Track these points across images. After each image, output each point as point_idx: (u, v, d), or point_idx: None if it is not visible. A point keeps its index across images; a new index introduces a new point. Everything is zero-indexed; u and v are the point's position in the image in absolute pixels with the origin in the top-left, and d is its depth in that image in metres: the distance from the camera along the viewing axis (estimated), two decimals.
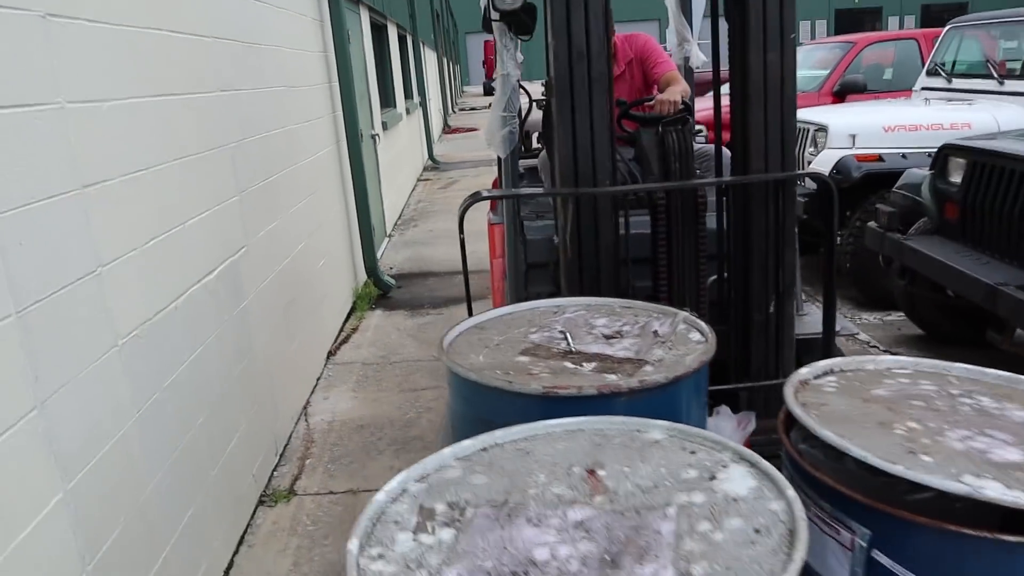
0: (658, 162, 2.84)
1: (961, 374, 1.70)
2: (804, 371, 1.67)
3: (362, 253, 6.18)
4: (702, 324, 2.02)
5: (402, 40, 11.78)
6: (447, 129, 20.22)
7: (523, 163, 4.21)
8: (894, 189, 4.57)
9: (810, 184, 5.57)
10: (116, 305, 2.29)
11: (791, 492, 1.20)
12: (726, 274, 2.80)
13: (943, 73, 6.33)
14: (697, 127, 3.76)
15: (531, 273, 3.09)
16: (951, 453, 1.34)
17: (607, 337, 2.05)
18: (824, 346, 2.64)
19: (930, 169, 4.35)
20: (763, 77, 2.51)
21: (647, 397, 1.68)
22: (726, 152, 3.12)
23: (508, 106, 3.02)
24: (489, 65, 38.74)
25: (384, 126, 8.36)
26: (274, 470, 3.64)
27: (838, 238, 5.28)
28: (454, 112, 25.81)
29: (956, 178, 4.13)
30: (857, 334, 4.92)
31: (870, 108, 6.24)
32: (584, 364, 1.88)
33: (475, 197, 2.59)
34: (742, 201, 2.64)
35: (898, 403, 1.54)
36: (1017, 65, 5.91)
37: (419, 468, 1.40)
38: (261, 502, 3.39)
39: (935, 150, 4.33)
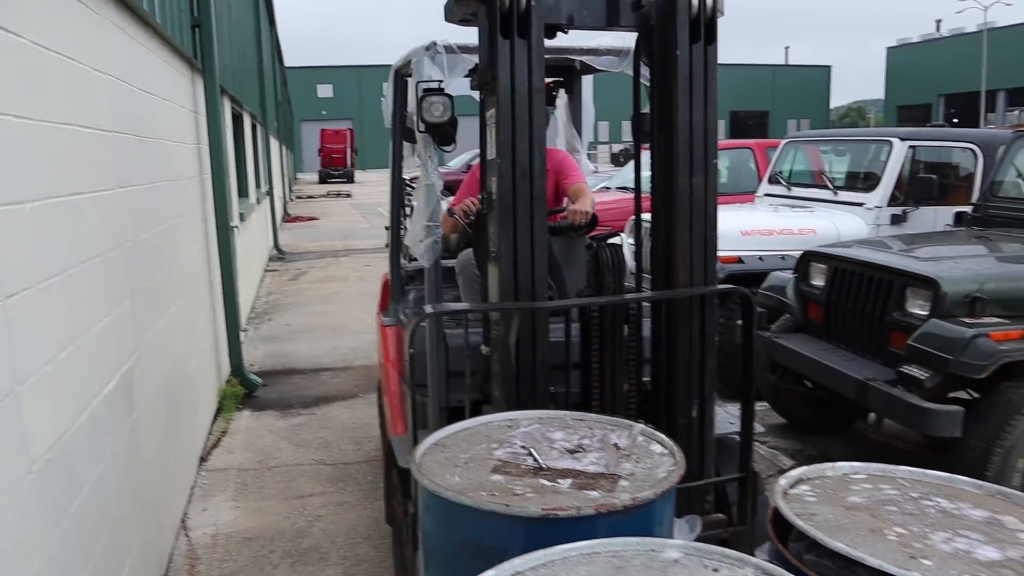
0: (591, 276, 2.98)
1: (905, 476, 1.89)
2: (783, 482, 1.79)
3: (228, 350, 5.92)
4: (661, 436, 2.12)
5: (253, 129, 11.61)
6: (287, 218, 19.89)
7: (414, 265, 4.21)
8: (760, 290, 4.97)
9: None
10: (31, 427, 2.09)
11: None
12: (651, 380, 2.94)
13: (782, 182, 7.03)
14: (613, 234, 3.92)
15: (453, 381, 3.10)
16: (944, 555, 1.48)
17: (571, 452, 2.10)
18: (743, 448, 2.80)
19: (794, 273, 4.79)
20: (689, 199, 2.71)
21: (637, 516, 1.74)
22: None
23: (432, 216, 3.07)
24: (325, 153, 38.79)
25: (241, 217, 8.14)
26: None
27: None
28: (292, 200, 25.46)
29: (818, 281, 4.56)
30: (763, 431, 5.23)
31: (726, 213, 6.72)
32: (559, 481, 1.92)
33: (435, 312, 2.61)
34: (669, 313, 2.80)
35: (876, 510, 1.69)
36: (840, 178, 6.68)
37: None
38: None
39: (790, 253, 4.78)
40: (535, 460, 2.03)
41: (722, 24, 2.75)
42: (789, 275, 4.84)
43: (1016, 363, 3.61)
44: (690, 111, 2.69)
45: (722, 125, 38.58)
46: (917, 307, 3.87)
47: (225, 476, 4.59)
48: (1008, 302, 3.70)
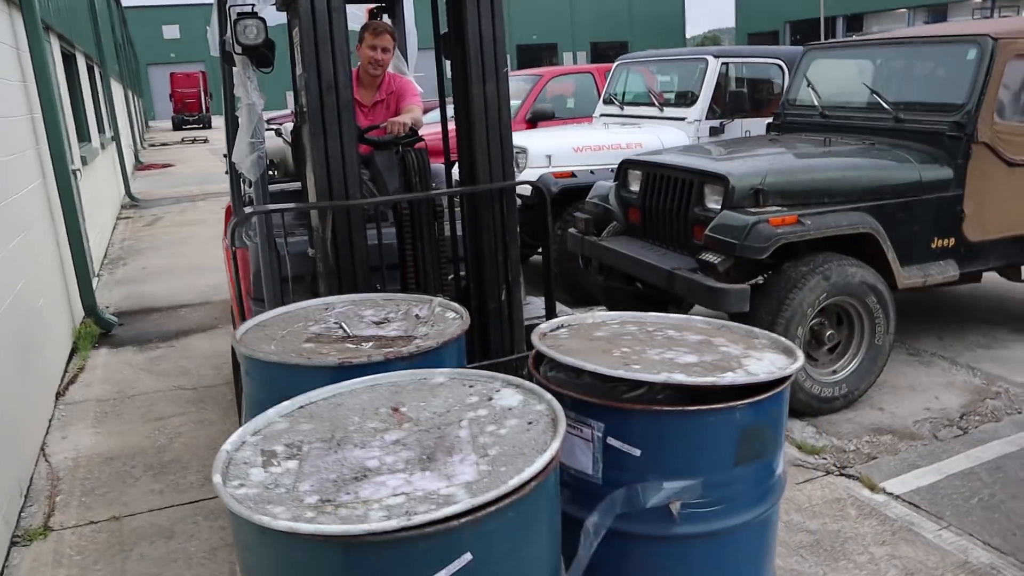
0: (400, 178, 3.27)
1: (653, 319, 2.32)
2: (543, 326, 2.18)
3: (79, 292, 5.92)
4: (455, 305, 2.48)
5: (90, 71, 11.14)
6: (140, 166, 19.12)
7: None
8: (587, 200, 5.41)
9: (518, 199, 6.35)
10: None
11: (548, 396, 1.67)
12: (463, 272, 3.29)
13: (616, 102, 7.48)
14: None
15: (287, 286, 3.35)
16: (652, 362, 1.90)
17: (377, 323, 2.43)
18: None
19: (614, 181, 5.23)
20: (484, 104, 3.03)
21: (422, 360, 2.08)
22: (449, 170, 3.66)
23: (255, 133, 3.27)
24: (178, 98, 37.01)
25: (83, 161, 7.94)
26: (21, 511, 3.51)
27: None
28: (144, 148, 24.37)
29: (635, 187, 5.02)
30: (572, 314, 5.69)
31: (561, 132, 7.20)
32: (364, 344, 2.24)
33: (246, 214, 2.83)
34: (472, 209, 3.14)
35: (613, 339, 2.10)
36: (672, 96, 7.19)
37: (251, 426, 1.69)
38: (14, 543, 3.28)
39: (617, 165, 5.21)
40: (344, 331, 2.34)
41: None
42: (612, 183, 5.27)
43: (794, 244, 4.18)
44: (479, 23, 3.00)
45: (583, 57, 39.22)
46: (713, 202, 4.36)
47: (84, 408, 4.70)
48: (786, 193, 4.23)
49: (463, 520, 1.29)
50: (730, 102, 6.62)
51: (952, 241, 4.66)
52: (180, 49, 45.88)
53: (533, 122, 8.68)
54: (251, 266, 3.48)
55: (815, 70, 5.67)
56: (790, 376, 1.90)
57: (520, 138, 6.57)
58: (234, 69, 3.44)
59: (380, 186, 3.65)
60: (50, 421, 4.48)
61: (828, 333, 4.25)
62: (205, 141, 27.72)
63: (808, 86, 5.58)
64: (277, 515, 1.32)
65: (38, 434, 4.20)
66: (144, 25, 41.84)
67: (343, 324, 2.40)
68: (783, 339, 2.12)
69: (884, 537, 3.19)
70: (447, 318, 2.41)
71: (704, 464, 1.80)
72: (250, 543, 1.39)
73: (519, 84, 9.36)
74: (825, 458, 3.84)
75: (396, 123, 3.56)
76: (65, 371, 5.22)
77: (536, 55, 36.35)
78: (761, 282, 4.23)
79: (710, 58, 6.67)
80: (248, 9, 3.21)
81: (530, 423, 1.59)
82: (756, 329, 2.23)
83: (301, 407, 1.78)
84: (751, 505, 1.90)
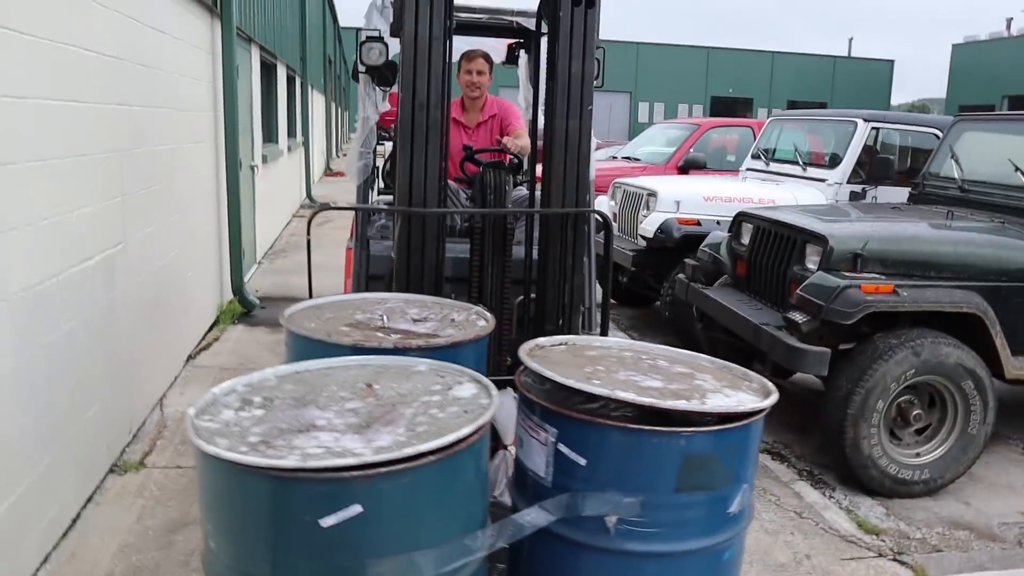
0: (479, 195, 3.52)
1: (659, 351, 2.42)
2: (542, 340, 2.34)
3: (230, 272, 6.60)
4: (488, 314, 2.68)
5: (291, 80, 12.30)
6: (328, 172, 20.67)
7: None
8: (700, 247, 5.44)
9: (640, 243, 6.47)
10: (5, 268, 2.74)
11: (495, 392, 1.84)
12: (531, 295, 3.48)
13: (763, 158, 7.43)
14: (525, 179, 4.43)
15: (371, 284, 3.68)
16: (614, 381, 2.03)
17: (415, 320, 2.67)
18: None
19: (728, 232, 5.25)
20: (565, 137, 3.23)
21: (430, 354, 2.30)
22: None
23: (366, 143, 3.64)
24: (384, 115, 39.40)
25: (264, 159, 8.82)
26: (126, 447, 4.03)
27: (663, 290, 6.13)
28: (338, 156, 26.28)
29: (746, 240, 5.02)
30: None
31: (695, 180, 7.24)
32: (392, 335, 2.49)
33: (322, 207, 3.18)
34: (544, 234, 3.33)
35: (599, 360, 2.23)
36: (820, 156, 7.05)
37: (246, 378, 1.97)
38: (112, 470, 3.78)
39: (733, 217, 5.22)
40: (383, 322, 2.61)
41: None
42: (726, 234, 5.29)
43: (890, 316, 4.06)
44: (569, 63, 3.21)
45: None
46: (812, 262, 4.31)
47: (207, 372, 5.27)
48: (888, 260, 4.11)
49: (354, 473, 1.49)
50: (876, 168, 6.42)
51: None
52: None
53: (684, 170, 8.76)
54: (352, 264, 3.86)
55: (963, 143, 5.43)
56: (745, 414, 1.95)
57: (652, 181, 6.70)
58: (359, 86, 3.84)
59: (479, 206, 3.92)
60: (175, 378, 5.07)
61: (915, 413, 4.06)
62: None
63: (952, 158, 5.36)
64: (217, 444, 1.58)
65: (161, 387, 4.77)
66: None
67: (385, 316, 2.66)
68: (769, 384, 2.16)
69: None
70: (477, 325, 2.62)
71: (644, 484, 1.89)
72: (197, 463, 1.66)
73: (677, 132, 9.47)
74: (883, 540, 3.68)
75: (512, 143, 3.82)
76: (202, 339, 5.86)
77: (730, 108, 35.87)
78: (847, 349, 4.12)
79: (859, 121, 6.50)
80: (376, 34, 3.61)
81: (467, 412, 1.77)
82: (752, 374, 2.27)
83: (296, 372, 2.05)
84: (695, 535, 1.96)
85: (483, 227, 3.33)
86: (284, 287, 7.85)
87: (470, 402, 1.84)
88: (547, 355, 2.23)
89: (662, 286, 6.31)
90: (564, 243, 3.31)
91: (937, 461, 4.10)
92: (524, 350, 2.19)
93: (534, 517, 1.87)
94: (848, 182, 6.55)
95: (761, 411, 1.98)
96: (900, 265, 4.12)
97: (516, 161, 4.10)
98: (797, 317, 4.11)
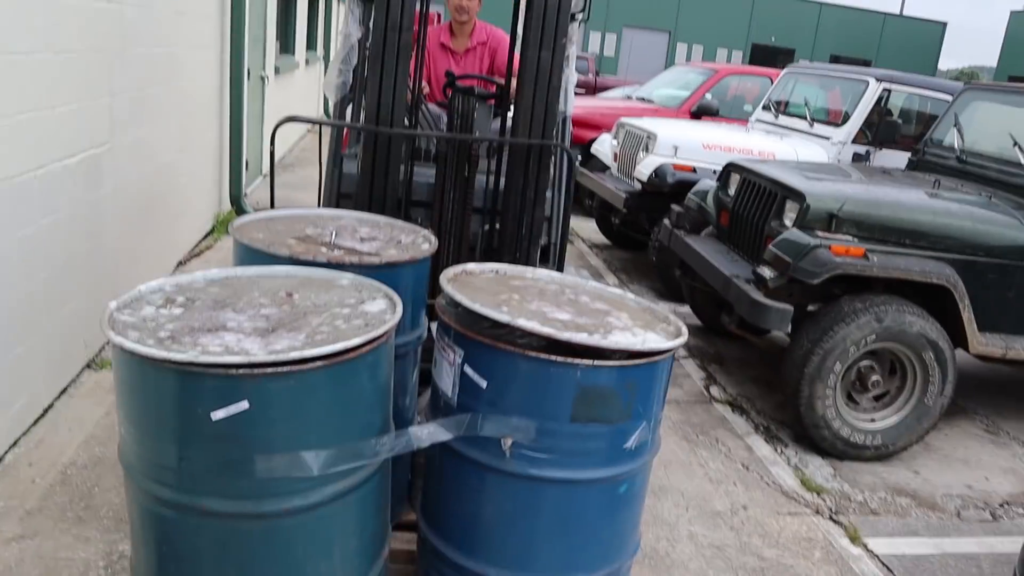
0: (447, 121, 3.55)
1: (588, 287, 2.48)
2: (471, 266, 2.41)
3: (229, 182, 6.69)
4: (433, 238, 2.75)
5: None
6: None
7: None
8: (688, 195, 5.45)
9: (636, 185, 6.47)
10: None
11: (400, 308, 1.93)
12: (488, 225, 3.53)
13: (773, 110, 7.34)
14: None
15: (342, 203, 3.74)
16: (523, 310, 2.10)
17: (363, 239, 2.75)
18: None
19: (716, 181, 5.25)
20: (536, 69, 3.24)
21: (363, 272, 2.37)
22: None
23: (345, 60, 3.66)
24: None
25: (276, 70, 8.82)
26: (105, 345, 4.19)
27: (652, 235, 6.15)
28: None
29: (732, 191, 5.03)
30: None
31: (696, 126, 7.19)
32: (335, 251, 2.57)
33: (287, 119, 3.22)
34: (509, 166, 3.37)
35: (522, 290, 2.30)
36: (831, 112, 6.96)
37: (175, 279, 2.07)
38: (88, 366, 3.95)
39: (722, 167, 5.21)
40: (331, 238, 2.68)
41: None
42: (714, 184, 5.29)
43: (862, 280, 4.09)
44: None
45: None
46: (788, 219, 4.33)
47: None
48: (863, 224, 4.11)
49: (241, 371, 1.59)
50: (881, 130, 6.33)
51: None
52: None
53: (697, 116, 8.66)
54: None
55: (969, 112, 5.36)
56: (645, 352, 2.01)
57: (653, 124, 6.66)
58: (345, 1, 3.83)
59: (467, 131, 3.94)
60: None
61: (874, 379, 4.12)
62: None
63: (955, 127, 5.29)
64: (127, 336, 1.68)
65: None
66: None
67: (334, 232, 2.74)
68: (683, 327, 2.22)
69: None
70: (421, 247, 2.69)
71: (540, 411, 1.98)
72: (112, 354, 1.76)
73: (694, 76, 9.34)
74: (824, 499, 3.78)
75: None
76: (195, 247, 5.99)
77: (771, 57, 34.96)
78: (812, 309, 4.17)
79: (871, 80, 6.40)
80: None
81: (368, 325, 1.86)
82: (672, 317, 2.33)
83: (225, 277, 2.14)
84: (589, 466, 2.05)
85: (447, 153, 3.38)
86: (285, 201, 7.89)
87: (376, 316, 1.92)
88: (471, 281, 2.31)
89: (653, 231, 6.33)
90: (527, 175, 3.36)
91: (891, 428, 4.17)
92: (446, 275, 2.27)
93: (430, 433, 1.98)
94: (853, 142, 6.48)
95: (662, 352, 2.05)
96: (876, 230, 4.11)
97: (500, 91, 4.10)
98: (766, 272, 4.15)
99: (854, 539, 3.48)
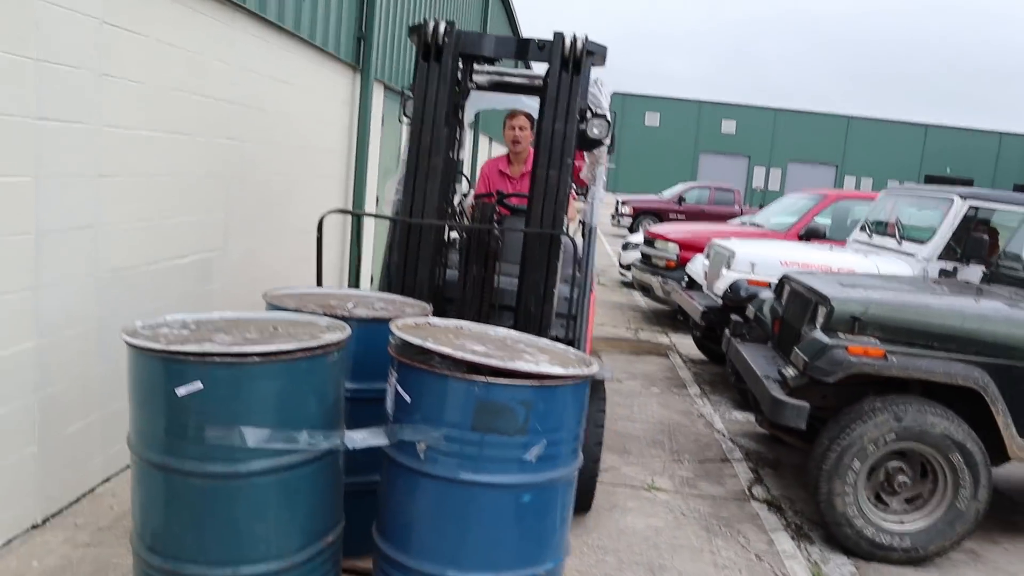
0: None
1: (535, 341, 2.97)
2: (435, 319, 2.99)
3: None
4: (429, 307, 3.33)
5: None
6: None
7: None
8: (749, 306, 5.74)
9: (717, 301, 6.81)
10: (101, 251, 3.75)
11: (348, 333, 2.54)
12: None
13: (868, 230, 7.49)
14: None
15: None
16: (448, 344, 2.60)
17: (372, 310, 3.34)
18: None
19: (773, 292, 5.54)
20: (545, 185, 3.84)
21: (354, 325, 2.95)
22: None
23: (402, 180, 4.42)
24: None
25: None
26: None
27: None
28: None
29: (784, 301, 5.30)
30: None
31: (775, 245, 7.43)
32: (339, 311, 3.18)
33: (332, 211, 3.98)
34: (521, 265, 3.92)
35: (467, 336, 2.82)
36: (917, 231, 7.05)
37: (196, 315, 2.73)
38: None
39: (778, 280, 5.51)
40: (346, 307, 3.30)
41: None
42: (772, 295, 5.58)
43: (896, 382, 4.22)
44: (553, 121, 3.83)
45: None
46: (818, 323, 4.56)
47: None
48: (888, 326, 4.28)
49: (194, 359, 2.26)
50: (967, 247, 6.37)
51: None
52: None
53: (806, 238, 8.90)
54: None
55: None
56: (532, 374, 2.46)
57: (732, 243, 7.04)
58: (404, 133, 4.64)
59: (507, 245, 4.57)
60: None
61: (900, 479, 4.18)
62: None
63: None
64: (134, 337, 2.36)
65: None
66: None
67: (351, 304, 3.36)
68: (597, 367, 2.66)
69: None
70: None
71: (447, 420, 2.47)
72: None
73: (803, 202, 9.61)
74: None
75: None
76: None
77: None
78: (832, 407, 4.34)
79: (956, 198, 6.49)
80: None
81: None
82: (594, 362, 2.76)
83: (237, 317, 2.80)
84: (490, 471, 2.48)
85: (469, 248, 3.98)
86: None
87: (327, 338, 2.52)
88: (428, 329, 2.85)
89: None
90: (540, 271, 3.87)
91: (921, 531, 4.18)
92: (405, 322, 2.81)
93: (363, 437, 2.53)
94: (944, 258, 6.52)
95: (553, 376, 2.48)
96: (901, 332, 4.26)
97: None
98: (789, 372, 4.39)
99: None
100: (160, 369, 2.31)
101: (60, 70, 3.37)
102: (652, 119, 52.53)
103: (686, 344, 8.64)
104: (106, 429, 3.98)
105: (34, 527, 3.53)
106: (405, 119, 4.36)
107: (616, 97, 53.71)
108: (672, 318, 10.09)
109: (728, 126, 49.40)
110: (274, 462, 2.37)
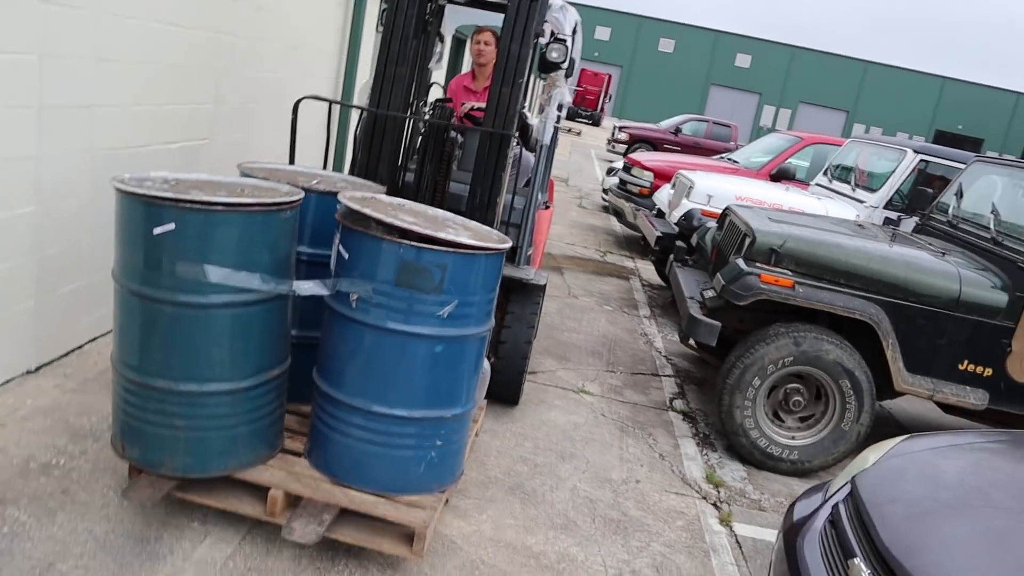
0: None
1: (466, 223, 3.46)
2: (382, 196, 3.46)
3: None
4: (383, 189, 3.81)
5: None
6: None
7: None
8: (695, 234, 6.22)
9: (673, 228, 7.29)
10: (97, 133, 4.20)
11: (297, 195, 3.05)
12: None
13: (829, 175, 7.92)
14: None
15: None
16: (385, 213, 3.08)
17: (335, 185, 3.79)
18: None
19: (717, 222, 6.02)
20: (496, 100, 4.27)
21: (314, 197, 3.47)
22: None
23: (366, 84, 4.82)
24: (579, 93, 40.92)
25: None
26: None
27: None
28: None
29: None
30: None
31: (735, 179, 7.89)
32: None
33: (305, 97, 4.40)
34: (475, 165, 4.37)
35: (408, 211, 3.31)
36: (875, 178, 7.49)
37: (178, 174, 3.16)
38: None
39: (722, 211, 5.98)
40: (313, 183, 3.74)
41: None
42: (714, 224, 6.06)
43: (806, 312, 4.73)
44: (510, 42, 4.23)
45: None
46: (742, 253, 5.06)
47: None
48: (801, 261, 4.76)
49: (169, 203, 2.77)
50: (913, 198, 6.82)
51: (989, 371, 4.77)
52: (605, 49, 50.23)
53: (776, 179, 9.31)
54: None
55: (973, 182, 5.84)
56: (446, 241, 2.96)
57: (694, 175, 7.48)
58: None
59: (465, 155, 5.01)
60: None
61: (795, 399, 4.75)
62: (578, 134, 30.62)
63: (956, 194, 5.79)
64: (122, 184, 2.85)
65: None
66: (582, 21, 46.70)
67: (316, 181, 3.81)
68: (510, 243, 3.19)
69: (678, 544, 3.83)
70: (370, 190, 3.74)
71: (376, 275, 2.97)
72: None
73: (781, 142, 9.98)
74: (719, 491, 4.45)
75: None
76: None
77: (956, 145, 33.88)
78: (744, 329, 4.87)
79: (909, 152, 6.92)
80: None
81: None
82: (506, 240, 3.26)
83: (213, 179, 3.22)
84: (409, 322, 2.98)
85: (426, 150, 4.43)
86: None
87: (285, 196, 3.01)
88: (375, 203, 3.30)
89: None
90: (491, 157, 4.32)
91: (808, 446, 4.77)
92: (354, 195, 3.28)
93: (307, 287, 3.07)
94: (890, 207, 6.98)
95: (466, 246, 2.98)
96: (812, 267, 4.76)
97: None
98: (708, 294, 4.90)
99: (723, 520, 4.15)
100: (141, 211, 2.83)
101: None
102: (666, 45, 52.05)
103: (649, 270, 9.17)
104: (94, 293, 4.50)
105: (28, 372, 4.08)
106: (381, 28, 4.75)
107: (631, 19, 53.61)
108: (640, 244, 10.57)
109: (743, 60, 49.09)
110: (232, 298, 2.92)
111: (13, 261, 3.83)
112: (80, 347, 4.48)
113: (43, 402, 3.86)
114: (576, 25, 5.11)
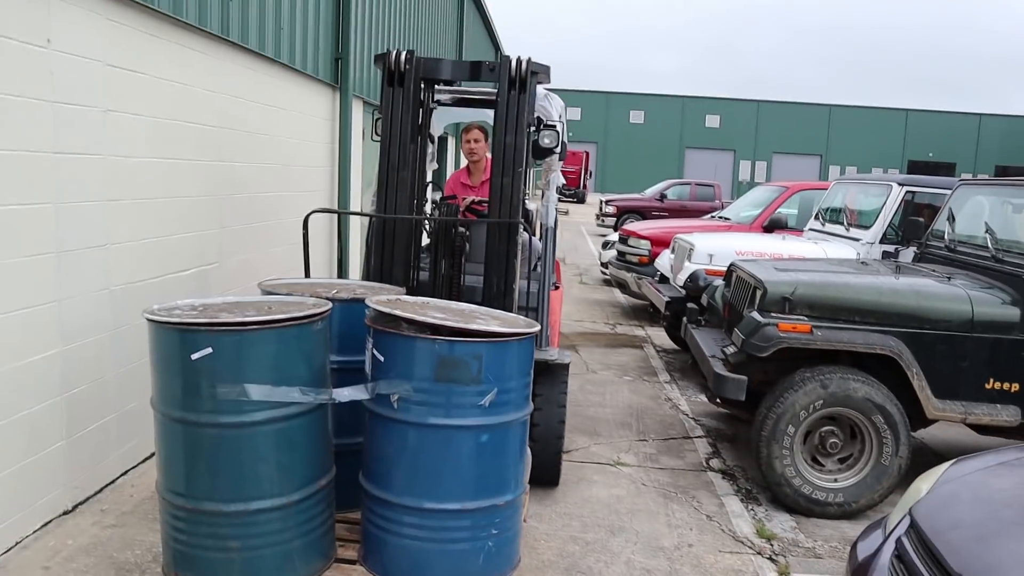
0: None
1: (488, 312, 3.53)
2: (405, 296, 3.53)
3: None
4: (403, 291, 3.88)
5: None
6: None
7: None
8: (704, 294, 6.31)
9: (680, 292, 7.38)
10: (111, 268, 4.31)
11: (326, 308, 3.11)
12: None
13: (821, 218, 8.08)
14: None
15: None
16: (413, 312, 3.15)
17: (355, 293, 3.88)
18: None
19: (724, 279, 6.11)
20: (500, 191, 4.39)
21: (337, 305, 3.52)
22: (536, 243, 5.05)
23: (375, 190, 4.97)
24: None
25: None
26: None
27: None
28: None
29: (731, 288, 5.87)
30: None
31: (732, 236, 8.03)
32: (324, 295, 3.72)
33: (316, 211, 4.52)
34: (487, 252, 4.47)
35: (433, 308, 3.37)
36: (865, 216, 7.64)
37: (203, 299, 3.27)
38: None
39: (727, 268, 6.08)
40: (334, 292, 3.83)
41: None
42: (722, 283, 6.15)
43: (826, 355, 4.78)
44: (504, 134, 4.39)
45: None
46: (756, 305, 5.13)
47: None
48: (815, 305, 4.85)
49: (202, 329, 2.83)
50: (906, 229, 6.95)
51: (1016, 387, 4.80)
52: (578, 128, 51.40)
53: (769, 229, 9.48)
54: None
55: (962, 205, 5.97)
56: (479, 332, 3.02)
57: (693, 238, 7.62)
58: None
59: (473, 247, 5.12)
60: None
61: (831, 441, 4.75)
62: (566, 213, 31.01)
63: (948, 220, 5.91)
64: (154, 315, 2.92)
65: None
66: None
67: (336, 290, 3.90)
68: (537, 327, 3.23)
69: None
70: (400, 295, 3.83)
71: (414, 374, 3.02)
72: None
73: (767, 194, 10.19)
74: (772, 544, 4.41)
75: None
76: None
77: (931, 173, 34.62)
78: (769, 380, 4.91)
79: (894, 185, 7.08)
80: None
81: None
82: (534, 325, 3.32)
83: (239, 300, 3.33)
84: (452, 416, 3.03)
85: (437, 244, 4.54)
86: None
87: (312, 311, 3.08)
88: (400, 303, 3.38)
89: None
90: (500, 256, 4.41)
91: (851, 487, 4.75)
92: (379, 298, 3.36)
93: (347, 393, 3.11)
94: (886, 241, 7.11)
95: (497, 335, 3.05)
96: (826, 309, 4.84)
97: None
98: (729, 350, 4.95)
99: (782, 573, 4.10)
100: (177, 339, 2.89)
101: (72, 109, 3.93)
102: (637, 116, 53.44)
103: (661, 336, 9.22)
104: (122, 426, 4.53)
105: (65, 513, 4.08)
106: (377, 138, 4.93)
107: (600, 96, 55.14)
108: (648, 312, 10.67)
109: (712, 120, 50.30)
110: (273, 413, 2.95)
111: (43, 403, 3.88)
112: (113, 481, 4.48)
113: (84, 540, 3.84)
114: (562, 110, 5.31)
